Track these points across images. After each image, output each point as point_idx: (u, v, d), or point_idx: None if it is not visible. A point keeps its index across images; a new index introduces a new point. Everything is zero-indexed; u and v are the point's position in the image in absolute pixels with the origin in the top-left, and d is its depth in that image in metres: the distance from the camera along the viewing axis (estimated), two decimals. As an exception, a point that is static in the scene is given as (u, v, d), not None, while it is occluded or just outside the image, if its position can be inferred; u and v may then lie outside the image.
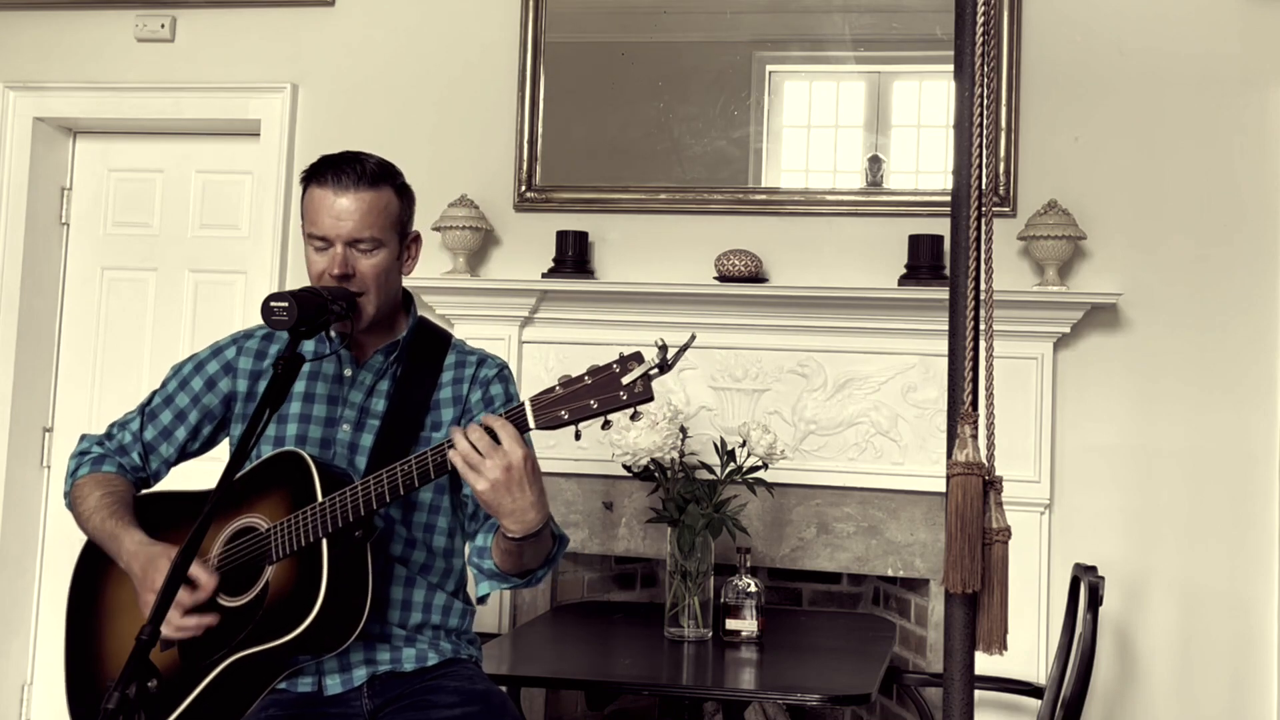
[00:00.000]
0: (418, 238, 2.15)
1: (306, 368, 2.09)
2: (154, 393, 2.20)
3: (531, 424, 1.74)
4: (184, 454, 2.19)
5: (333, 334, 2.10)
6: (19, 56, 3.83)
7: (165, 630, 1.82)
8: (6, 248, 3.77)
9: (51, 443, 3.88)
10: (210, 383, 2.16)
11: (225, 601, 1.95)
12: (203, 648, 1.92)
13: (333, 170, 2.02)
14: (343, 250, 1.99)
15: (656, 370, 1.68)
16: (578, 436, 1.75)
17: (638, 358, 1.69)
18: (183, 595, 1.87)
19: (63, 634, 2.15)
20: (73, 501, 2.13)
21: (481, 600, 2.05)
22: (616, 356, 1.71)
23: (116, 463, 2.16)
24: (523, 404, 1.75)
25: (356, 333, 2.06)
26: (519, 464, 1.74)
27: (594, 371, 1.71)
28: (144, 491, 2.17)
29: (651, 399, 1.70)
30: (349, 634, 1.91)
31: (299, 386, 2.10)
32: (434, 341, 2.16)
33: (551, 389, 1.73)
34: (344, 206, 1.99)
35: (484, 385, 2.12)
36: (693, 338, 1.75)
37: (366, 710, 2.01)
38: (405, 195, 2.10)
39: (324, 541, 1.86)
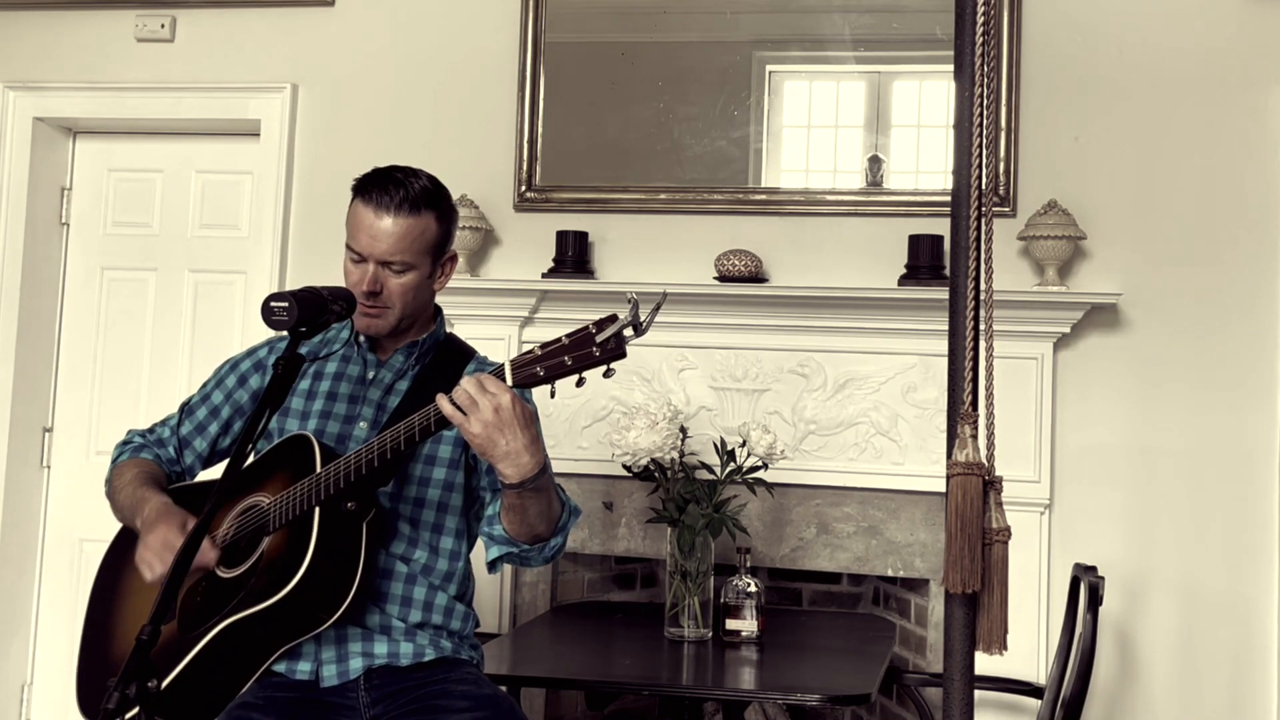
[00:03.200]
0: (454, 258, 2.20)
1: (332, 368, 2.17)
2: (194, 392, 2.29)
3: (509, 381, 1.78)
4: (215, 450, 2.26)
5: (361, 339, 2.17)
6: (19, 56, 3.83)
7: (154, 572, 1.93)
8: (6, 248, 3.77)
9: (51, 443, 3.88)
10: (242, 379, 2.23)
11: (223, 573, 2.00)
12: (199, 616, 1.97)
13: (379, 189, 2.07)
14: (374, 269, 2.07)
15: (630, 330, 1.71)
16: (553, 394, 1.79)
17: (612, 318, 1.73)
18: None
19: (69, 628, 2.18)
20: (109, 485, 2.20)
21: (491, 567, 2.05)
22: (595, 318, 1.75)
23: (154, 453, 2.24)
24: (502, 365, 1.80)
25: (378, 336, 2.14)
26: (508, 405, 1.78)
27: (572, 333, 1.75)
28: (171, 486, 2.21)
29: (624, 355, 1.73)
30: (337, 605, 1.93)
31: (323, 386, 2.17)
32: (457, 353, 2.21)
33: (530, 350, 1.77)
34: (382, 229, 2.05)
35: None
36: (664, 297, 1.78)
37: (364, 704, 2.02)
38: (446, 219, 2.14)
39: (316, 510, 1.91)
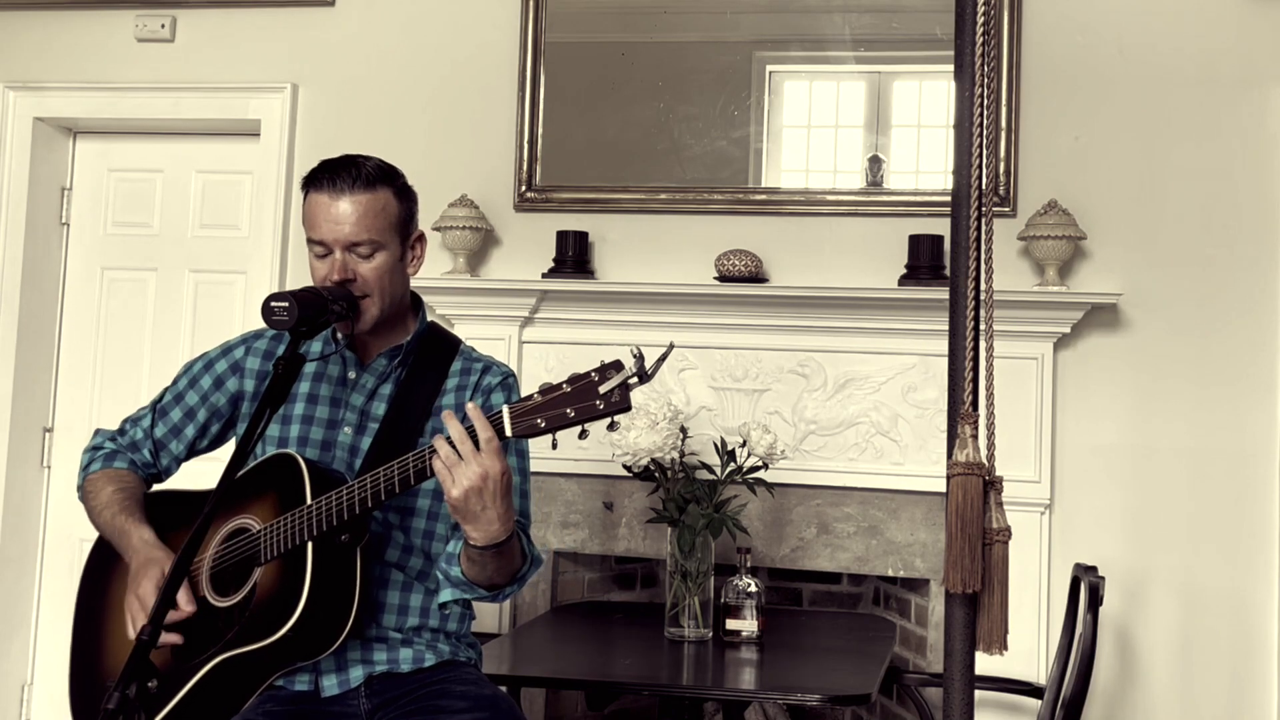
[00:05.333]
0: (422, 238, 2.14)
1: (311, 369, 2.10)
2: (165, 390, 2.22)
3: (508, 431, 1.74)
4: (193, 451, 2.21)
5: (339, 336, 2.10)
6: (19, 56, 3.83)
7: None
8: (6, 248, 3.77)
9: (51, 443, 3.88)
10: (218, 382, 2.17)
11: (216, 601, 1.97)
12: (192, 647, 1.94)
13: (329, 175, 2.02)
14: (342, 255, 2.00)
15: (635, 380, 1.67)
16: (554, 445, 1.76)
17: (617, 366, 1.69)
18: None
19: (69, 628, 2.16)
20: (85, 495, 2.15)
21: (442, 606, 2.05)
22: (598, 364, 1.70)
23: (128, 459, 2.18)
24: (500, 411, 1.74)
25: (360, 334, 2.06)
26: (497, 476, 1.75)
27: (573, 380, 1.70)
28: (153, 489, 2.19)
29: (628, 408, 1.68)
30: (334, 639, 1.91)
31: (303, 388, 2.11)
32: (442, 347, 2.16)
33: (530, 397, 1.72)
34: (341, 210, 1.99)
35: (486, 393, 2.12)
36: (670, 347, 1.72)
37: (364, 710, 2.01)
38: (406, 197, 2.08)
39: (309, 545, 1.86)
